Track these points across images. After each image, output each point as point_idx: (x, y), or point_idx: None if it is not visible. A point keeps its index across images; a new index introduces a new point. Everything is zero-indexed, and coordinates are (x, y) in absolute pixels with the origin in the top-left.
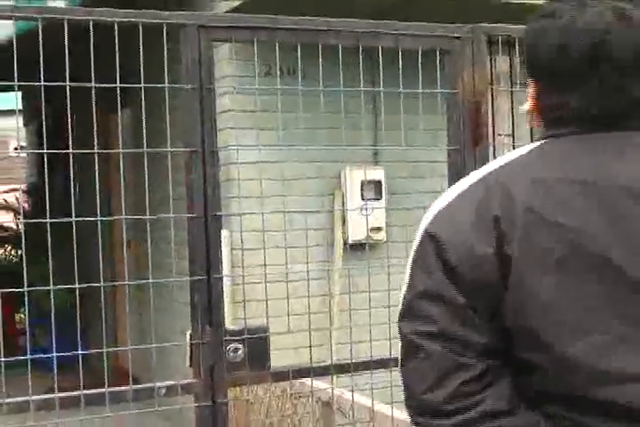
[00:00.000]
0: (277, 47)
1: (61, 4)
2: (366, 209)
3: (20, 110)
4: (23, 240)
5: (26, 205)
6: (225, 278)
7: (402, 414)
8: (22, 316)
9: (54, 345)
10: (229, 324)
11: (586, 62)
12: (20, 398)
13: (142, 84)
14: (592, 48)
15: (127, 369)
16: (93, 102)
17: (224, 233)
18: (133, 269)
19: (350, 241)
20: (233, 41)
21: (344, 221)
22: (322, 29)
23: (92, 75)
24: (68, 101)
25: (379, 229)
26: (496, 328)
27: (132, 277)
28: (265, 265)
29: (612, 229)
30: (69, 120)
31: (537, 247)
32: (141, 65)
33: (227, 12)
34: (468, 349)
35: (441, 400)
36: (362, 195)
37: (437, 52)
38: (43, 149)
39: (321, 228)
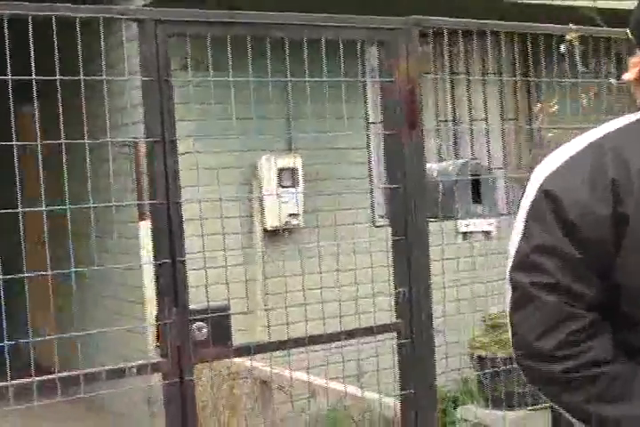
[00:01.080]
0: (209, 41)
1: None
2: (280, 195)
3: None
4: None
5: None
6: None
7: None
8: None
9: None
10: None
11: None
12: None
13: (104, 77)
14: None
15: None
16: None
17: (147, 224)
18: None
19: (268, 227)
20: (187, 35)
21: (262, 209)
22: (272, 23)
23: (57, 67)
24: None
25: (295, 215)
26: (605, 284)
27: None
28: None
29: None
30: None
31: None
32: (103, 60)
33: (145, 5)
34: (579, 301)
35: (551, 347)
36: (279, 182)
37: (374, 43)
38: None
39: (241, 215)
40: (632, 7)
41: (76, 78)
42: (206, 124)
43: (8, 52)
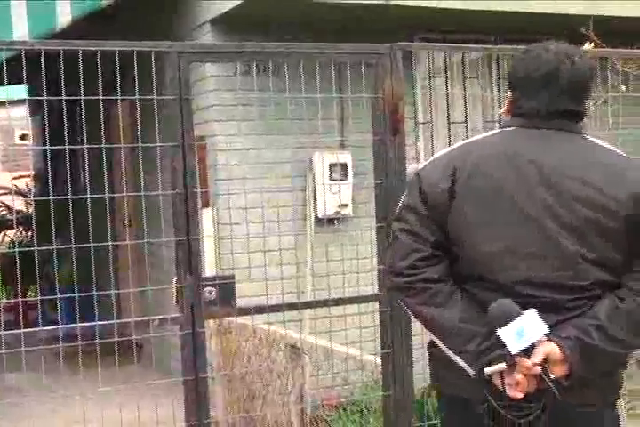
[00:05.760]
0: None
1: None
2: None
3: (25, 101)
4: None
5: (34, 190)
6: (208, 249)
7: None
8: (32, 294)
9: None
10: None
11: (542, 83)
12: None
13: (137, 97)
14: (546, 75)
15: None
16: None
17: (208, 210)
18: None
19: (320, 216)
20: (204, 62)
21: (315, 199)
22: (273, 51)
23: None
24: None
25: (345, 205)
26: (443, 231)
27: (130, 249)
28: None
29: (517, 180)
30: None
31: (472, 187)
32: (136, 81)
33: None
34: (424, 241)
35: (403, 267)
36: (330, 175)
37: (363, 65)
38: (46, 139)
39: (296, 204)
40: None
41: (116, 98)
42: (266, 124)
43: (101, 76)
